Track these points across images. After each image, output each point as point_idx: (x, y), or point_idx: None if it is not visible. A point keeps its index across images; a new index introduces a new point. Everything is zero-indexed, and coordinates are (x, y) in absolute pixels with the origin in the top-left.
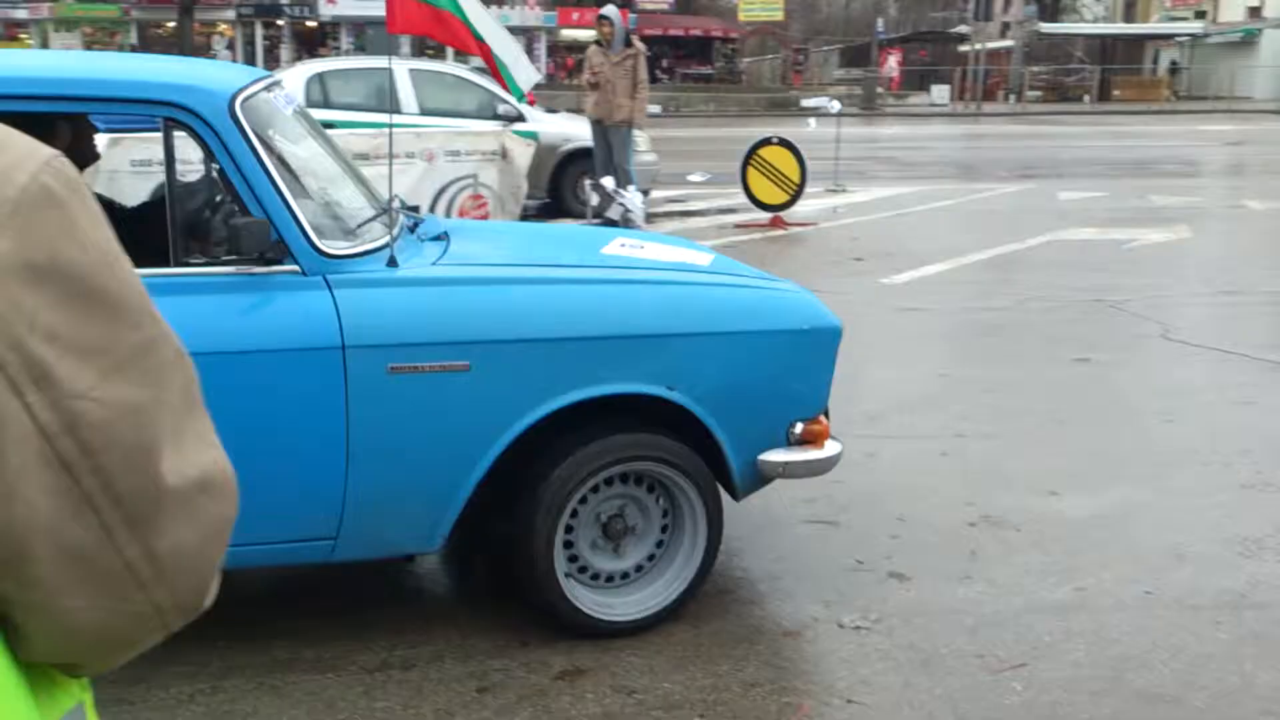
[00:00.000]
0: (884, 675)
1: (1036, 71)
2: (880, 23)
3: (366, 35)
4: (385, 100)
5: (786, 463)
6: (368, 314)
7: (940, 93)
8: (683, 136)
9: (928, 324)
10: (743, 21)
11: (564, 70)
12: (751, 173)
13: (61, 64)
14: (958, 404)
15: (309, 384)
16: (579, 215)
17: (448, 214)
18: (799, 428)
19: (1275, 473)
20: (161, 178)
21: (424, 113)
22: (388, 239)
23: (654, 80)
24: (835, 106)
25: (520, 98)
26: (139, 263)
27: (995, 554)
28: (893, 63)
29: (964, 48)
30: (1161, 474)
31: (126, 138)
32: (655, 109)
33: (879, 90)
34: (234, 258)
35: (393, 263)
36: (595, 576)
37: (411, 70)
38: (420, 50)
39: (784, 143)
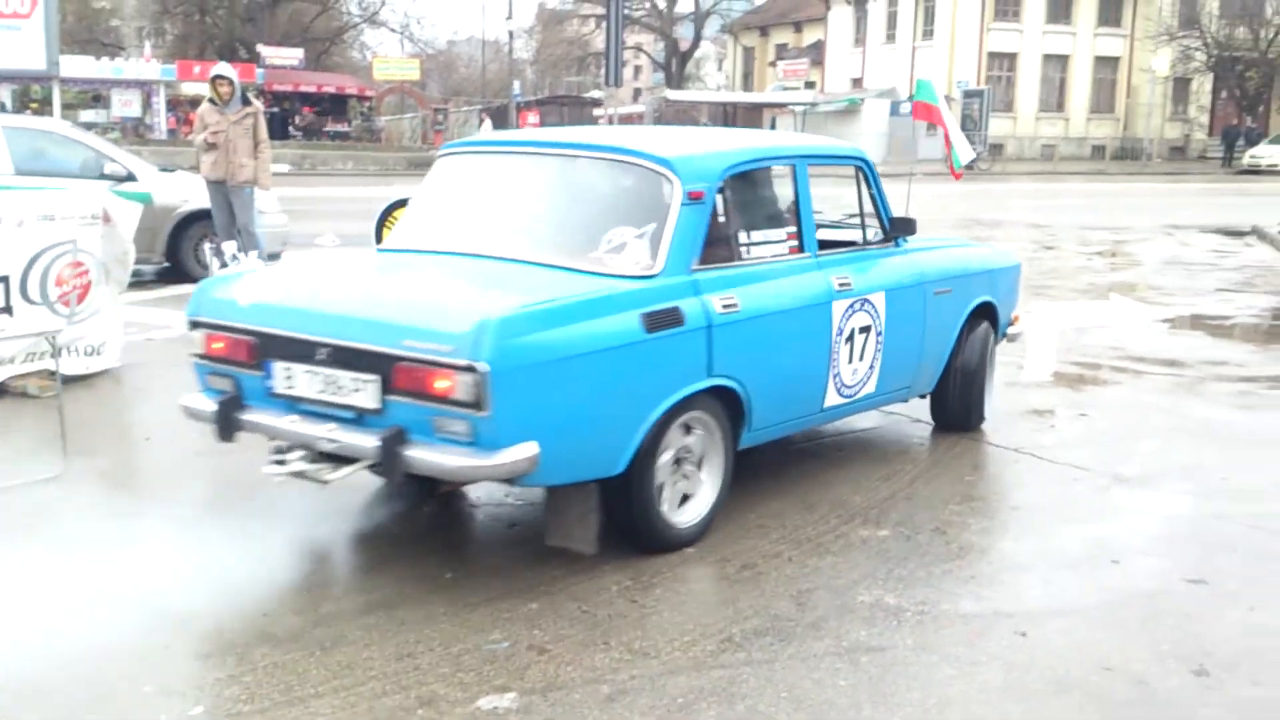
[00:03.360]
0: None
1: None
2: (517, 85)
3: None
4: None
5: (1014, 334)
6: (926, 266)
7: None
8: (318, 196)
9: None
10: (378, 80)
11: (186, 126)
12: (388, 234)
13: (754, 142)
14: None
15: (916, 302)
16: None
17: (43, 284)
18: (1014, 314)
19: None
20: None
21: (19, 173)
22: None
23: (287, 137)
24: None
25: (958, 165)
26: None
27: (634, 617)
28: (532, 122)
29: (598, 112)
30: (785, 522)
31: None
32: (284, 167)
33: None
34: (877, 240)
35: (897, 244)
36: None
37: (4, 128)
38: (22, 105)
39: None
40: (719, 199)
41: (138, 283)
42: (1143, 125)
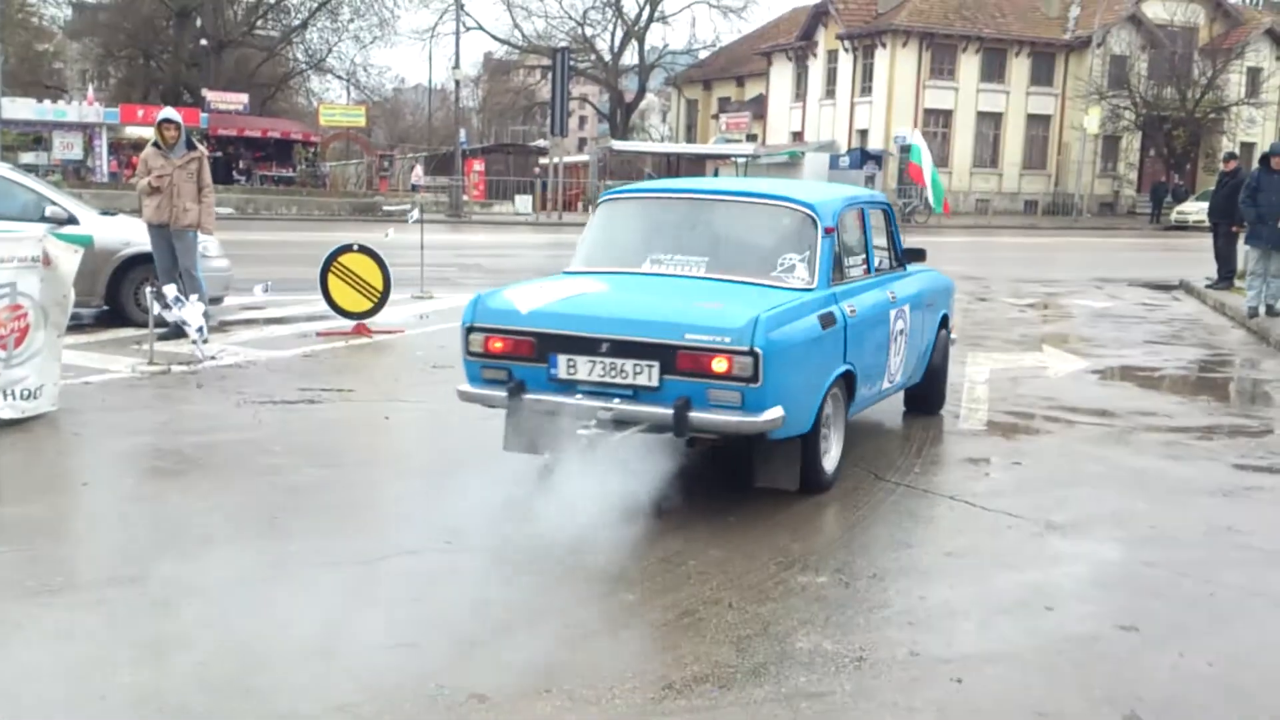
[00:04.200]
0: None
1: (611, 185)
2: (463, 133)
3: None
4: None
5: (954, 339)
6: (922, 285)
7: (524, 202)
8: (262, 240)
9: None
10: (324, 126)
11: (129, 169)
12: (333, 280)
13: (845, 191)
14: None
15: (920, 312)
16: (141, 324)
17: None
18: (951, 323)
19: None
20: None
21: None
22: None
23: (231, 181)
24: (415, 214)
25: (938, 210)
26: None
27: (574, 664)
28: (478, 170)
29: (544, 160)
30: (725, 568)
31: None
32: (226, 210)
33: (465, 199)
34: (897, 264)
35: (904, 268)
36: None
37: None
38: None
39: (365, 249)
40: (836, 233)
41: (75, 326)
42: (1074, 181)
